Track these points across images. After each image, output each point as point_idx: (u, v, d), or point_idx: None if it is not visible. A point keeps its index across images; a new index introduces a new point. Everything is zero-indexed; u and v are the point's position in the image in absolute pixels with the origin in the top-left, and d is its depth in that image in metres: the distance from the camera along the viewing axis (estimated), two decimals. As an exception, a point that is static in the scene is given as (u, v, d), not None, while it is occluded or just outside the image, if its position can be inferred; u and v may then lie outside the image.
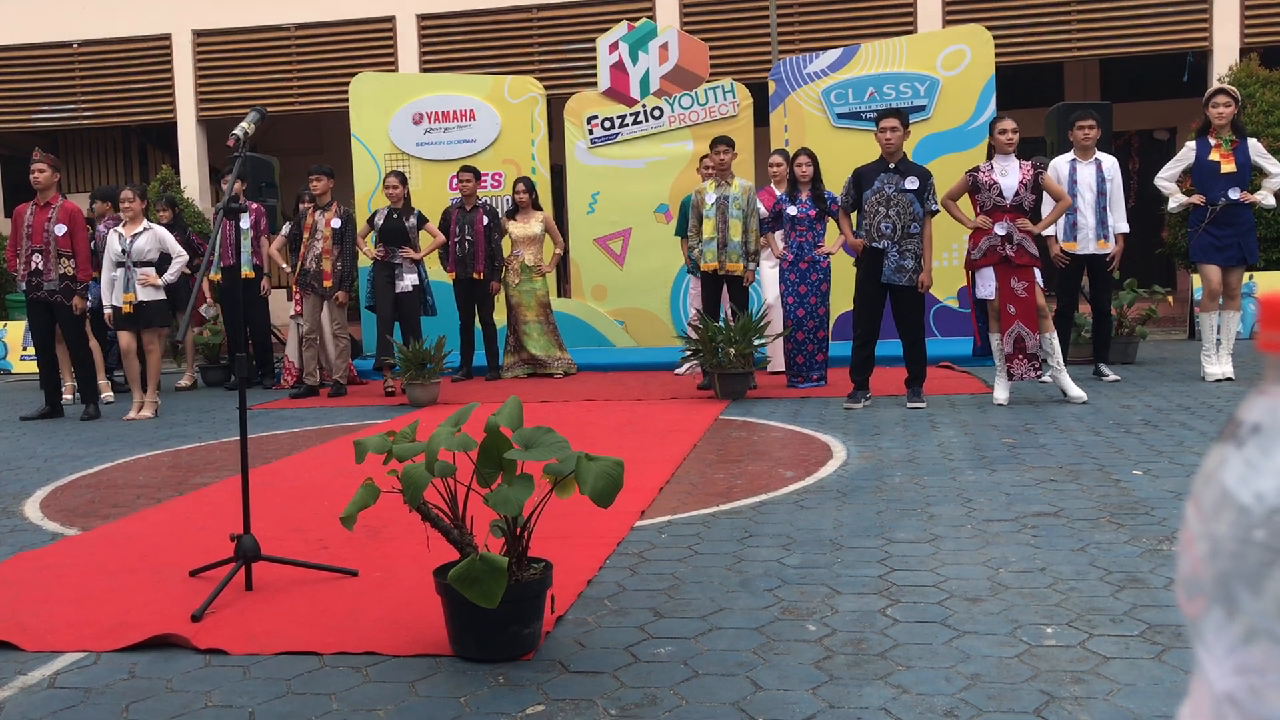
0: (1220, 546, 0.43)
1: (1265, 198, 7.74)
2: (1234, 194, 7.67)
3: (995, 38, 11.20)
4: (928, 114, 10.83)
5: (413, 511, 2.89)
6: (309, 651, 3.02)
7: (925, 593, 3.33)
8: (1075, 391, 7.10)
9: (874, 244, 7.20)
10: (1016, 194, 7.00)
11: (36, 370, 9.04)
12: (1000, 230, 7.01)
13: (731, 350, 7.88)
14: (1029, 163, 7.19)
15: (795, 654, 2.86)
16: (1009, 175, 7.04)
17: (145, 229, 8.48)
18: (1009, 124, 7.14)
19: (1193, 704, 0.48)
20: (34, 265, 8.23)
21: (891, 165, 7.24)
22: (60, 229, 8.22)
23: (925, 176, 7.27)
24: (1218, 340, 7.94)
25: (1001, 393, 7.20)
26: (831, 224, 8.32)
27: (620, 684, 2.71)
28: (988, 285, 7.10)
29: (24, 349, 11.45)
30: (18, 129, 15.60)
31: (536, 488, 2.86)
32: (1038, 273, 7.07)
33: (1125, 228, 8.21)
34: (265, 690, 2.77)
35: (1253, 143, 7.84)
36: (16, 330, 11.81)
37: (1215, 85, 8.16)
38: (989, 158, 7.25)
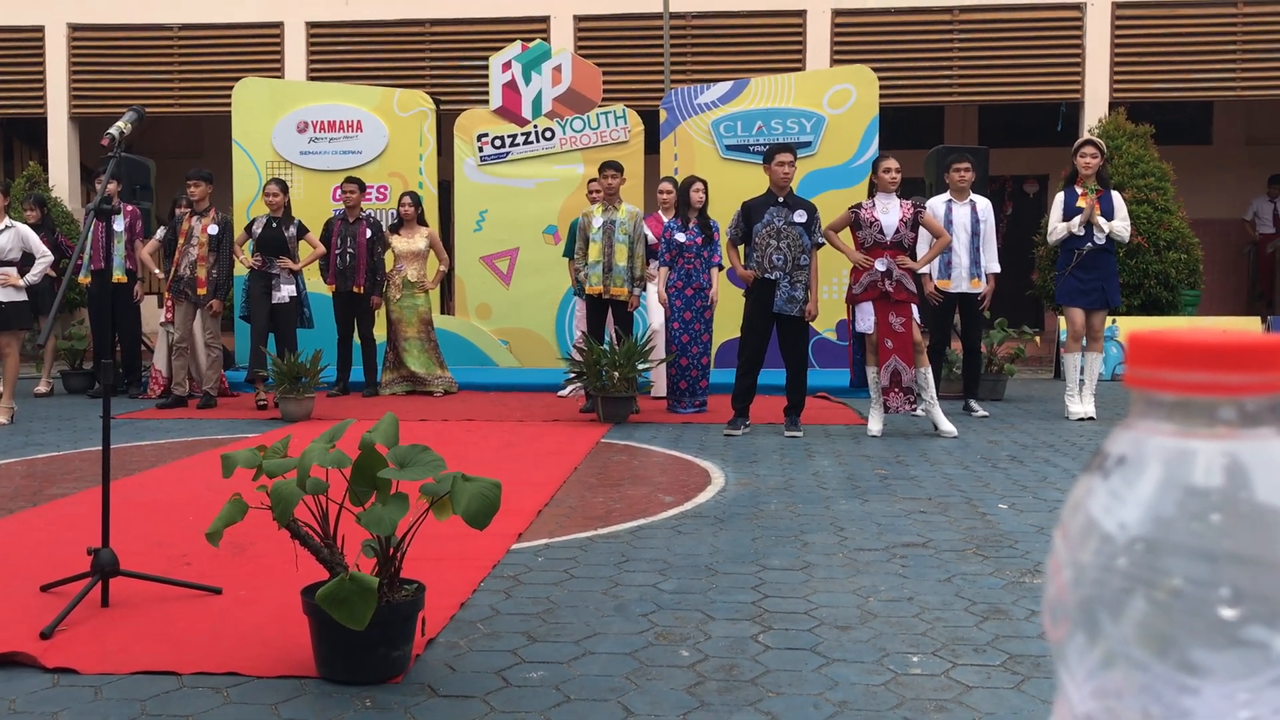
0: (1084, 573, 0.45)
1: (1106, 224, 8.01)
2: (1098, 240, 8.01)
3: (880, 79, 11.52)
4: (813, 150, 11.07)
5: (282, 529, 2.81)
6: (167, 671, 2.90)
7: (797, 619, 3.37)
8: (946, 426, 7.30)
9: (766, 275, 7.32)
10: (897, 231, 7.19)
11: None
12: (880, 266, 7.20)
13: (615, 374, 7.90)
14: (909, 201, 7.40)
15: (668, 679, 2.86)
16: (890, 213, 7.23)
17: (7, 227, 8.13)
18: (893, 163, 7.35)
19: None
20: None
21: (780, 199, 7.38)
22: None
23: (812, 210, 7.44)
24: (1081, 380, 8.26)
25: (875, 424, 7.36)
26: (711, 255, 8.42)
27: (490, 708, 2.67)
28: (867, 320, 7.27)
29: None
30: (-127, 116, 14.82)
31: (411, 508, 2.81)
32: (915, 309, 7.27)
33: (997, 268, 8.50)
34: (118, 711, 2.65)
35: (1115, 195, 8.22)
36: None
37: (1084, 136, 8.52)
38: (870, 195, 7.45)
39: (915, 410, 7.39)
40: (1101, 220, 7.97)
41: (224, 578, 3.75)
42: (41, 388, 10.10)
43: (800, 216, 7.34)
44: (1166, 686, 0.42)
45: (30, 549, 4.23)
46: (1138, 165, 11.88)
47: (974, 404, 8.58)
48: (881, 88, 11.52)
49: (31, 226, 9.23)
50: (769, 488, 5.54)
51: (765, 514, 4.91)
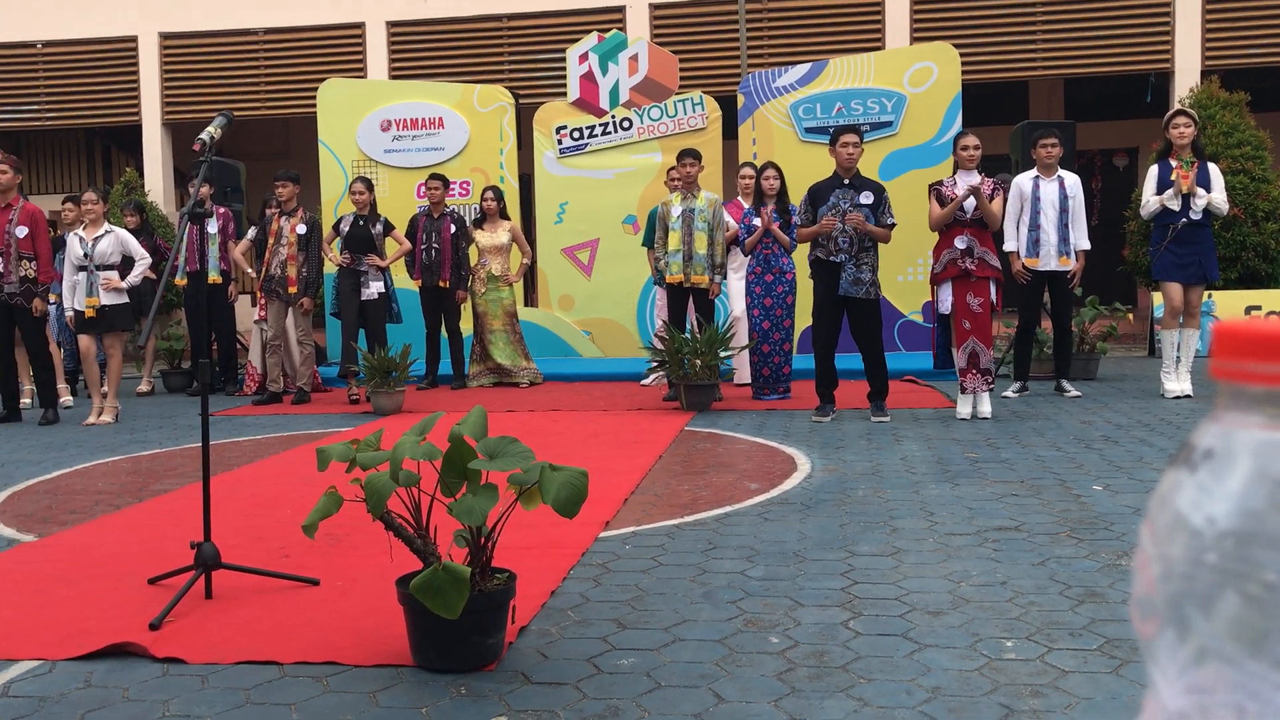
0: (1173, 569, 0.44)
1: (1203, 196, 7.78)
2: (1194, 214, 7.78)
3: (962, 55, 11.32)
4: (894, 130, 10.93)
5: (376, 520, 2.88)
6: (269, 661, 2.99)
7: (887, 605, 3.35)
8: (985, 409, 7.20)
9: (831, 258, 7.25)
10: (977, 209, 7.08)
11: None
12: (960, 244, 7.09)
13: (698, 362, 7.90)
14: (991, 179, 7.28)
15: (757, 666, 2.87)
16: (962, 186, 7.12)
17: (107, 232, 8.39)
18: (972, 140, 7.24)
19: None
20: None
21: (846, 181, 7.30)
22: (21, 231, 8.11)
23: (880, 191, 7.34)
24: (1177, 358, 8.05)
25: (964, 407, 7.26)
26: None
27: (582, 695, 2.70)
28: (946, 300, 7.18)
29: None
30: (-22, 129, 15.41)
31: (501, 498, 2.85)
32: (994, 287, 7.15)
33: (1087, 245, 8.30)
34: (224, 700, 2.74)
35: (1212, 166, 7.97)
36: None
37: (1175, 107, 8.27)
38: (954, 173, 7.34)
39: (993, 391, 7.28)
40: (1200, 190, 7.74)
41: (321, 569, 3.85)
42: (143, 387, 10.42)
43: (867, 198, 7.25)
44: (1262, 683, 0.41)
45: (137, 543, 4.38)
46: (1232, 134, 11.51)
47: (1065, 384, 8.41)
48: (963, 64, 11.33)
49: (131, 231, 9.52)
50: (856, 473, 5.50)
51: (853, 500, 4.88)
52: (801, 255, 8.74)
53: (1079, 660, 2.85)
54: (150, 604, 3.47)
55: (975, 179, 7.15)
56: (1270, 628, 0.41)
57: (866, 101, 11.02)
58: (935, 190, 7.27)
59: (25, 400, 9.21)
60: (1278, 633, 0.41)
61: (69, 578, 3.87)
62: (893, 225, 7.33)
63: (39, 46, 15.03)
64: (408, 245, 9.71)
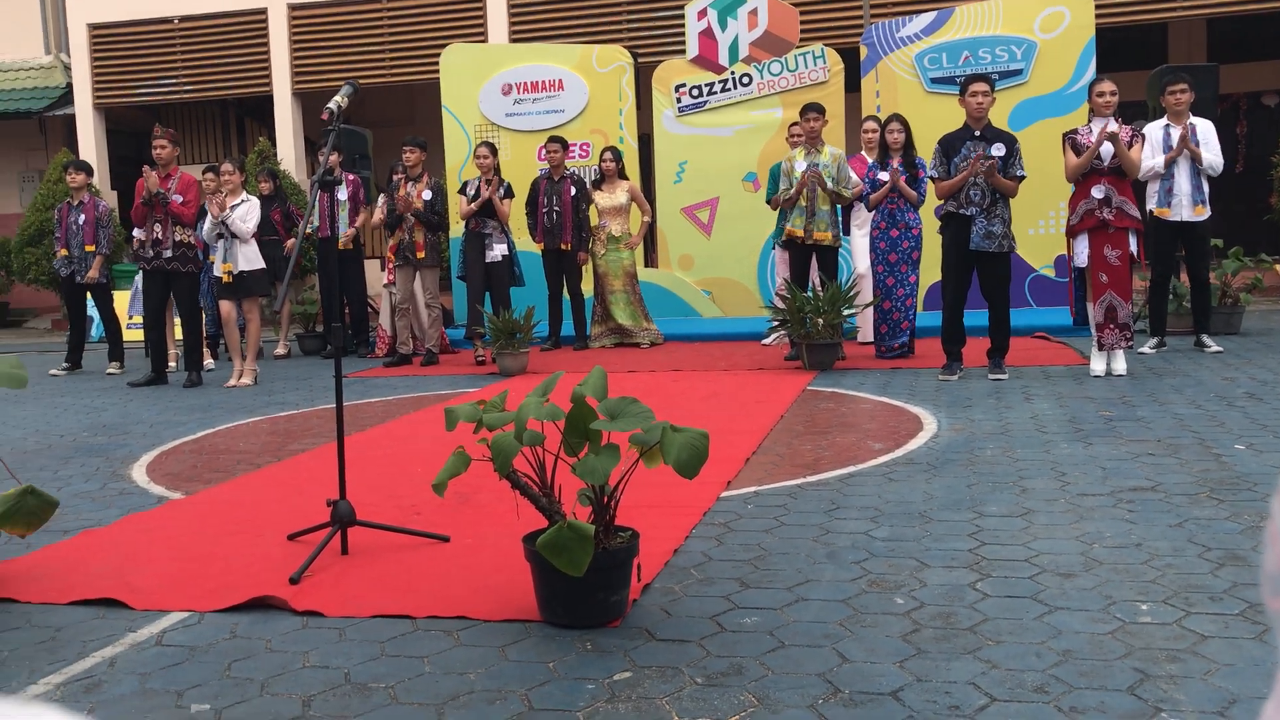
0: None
1: None
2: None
3: (1096, -2, 10.85)
4: (1024, 78, 10.56)
5: (502, 479, 2.94)
6: (402, 615, 3.09)
7: (1016, 567, 3.29)
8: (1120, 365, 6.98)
9: (962, 210, 7.07)
10: (1115, 156, 6.81)
11: (142, 338, 9.33)
12: (1098, 193, 6.85)
13: (820, 320, 7.82)
14: (1128, 126, 6.99)
15: (882, 627, 2.85)
16: (1097, 132, 6.85)
17: (243, 200, 8.68)
18: (1108, 86, 6.96)
19: (1277, 701, 0.47)
20: (154, 234, 8.49)
21: (977, 132, 7.09)
22: (178, 197, 8.45)
23: (1011, 142, 7.11)
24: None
25: (1099, 364, 7.04)
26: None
27: (706, 653, 2.73)
28: (1083, 253, 6.95)
29: (130, 317, 11.82)
30: (122, 104, 16.05)
31: (623, 458, 2.88)
32: (1133, 239, 6.89)
33: (1218, 165, 7.88)
34: (360, 652, 2.84)
35: None
36: (122, 299, 12.19)
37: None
38: (1089, 121, 7.07)
39: (1133, 347, 7.02)
40: None
41: (451, 526, 3.95)
42: (280, 350, 10.80)
43: (998, 149, 7.03)
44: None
45: (276, 501, 4.56)
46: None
47: (1206, 339, 8.07)
48: (1097, 6, 10.86)
49: (265, 198, 9.84)
50: (984, 432, 5.39)
51: (981, 459, 4.79)
52: (927, 210, 8.56)
53: (1219, 625, 2.76)
54: (290, 559, 3.62)
55: (1112, 125, 6.88)
56: None
57: (995, 49, 10.68)
58: (1070, 139, 7.01)
59: (171, 364, 9.63)
60: None
61: (214, 534, 4.06)
62: (1021, 178, 7.11)
63: (175, 22, 15.55)
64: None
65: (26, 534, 3.36)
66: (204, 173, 9.31)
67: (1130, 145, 6.86)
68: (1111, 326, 6.92)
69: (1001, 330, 7.19)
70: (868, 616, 2.93)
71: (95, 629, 3.09)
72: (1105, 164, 6.83)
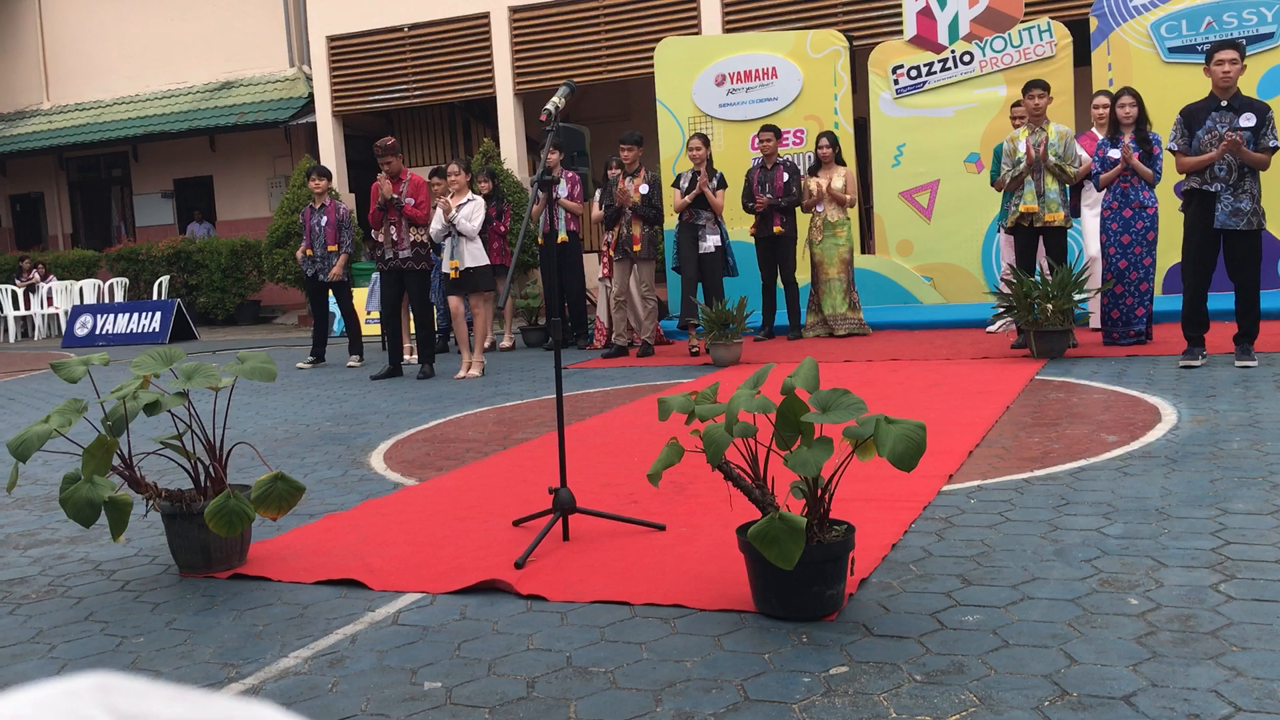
0: None
1: None
2: None
3: (1360, -51, 9.94)
4: (1275, 42, 9.79)
5: (715, 470, 2.96)
6: (620, 601, 3.16)
7: (1265, 569, 3.07)
8: None
9: (1206, 187, 6.61)
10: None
11: (379, 333, 9.88)
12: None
13: (1049, 306, 7.49)
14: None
15: (1115, 628, 2.71)
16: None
17: (469, 199, 9.04)
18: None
19: None
20: (390, 236, 8.99)
21: (1224, 102, 6.61)
22: (410, 200, 8.92)
23: (1264, 111, 6.59)
24: None
25: (1363, 349, 6.47)
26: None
27: (925, 649, 2.67)
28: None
29: (367, 313, 12.52)
30: (358, 110, 16.99)
31: (836, 450, 2.85)
32: None
33: None
34: (581, 636, 2.92)
35: None
36: (361, 296, 12.94)
37: None
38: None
39: None
40: None
41: (666, 515, 4.01)
42: (505, 343, 11.20)
43: (1248, 120, 6.53)
44: None
45: (502, 488, 4.74)
46: None
47: None
48: (1362, -41, 9.95)
49: (485, 196, 10.22)
50: (1230, 424, 5.04)
51: (1226, 453, 4.48)
52: (1164, 188, 8.06)
53: None
54: (515, 544, 3.76)
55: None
56: None
57: (1241, 12, 9.94)
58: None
59: (407, 357, 10.15)
60: None
61: (445, 519, 4.26)
62: (1275, 149, 6.58)
63: (405, 30, 16.33)
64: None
65: (277, 517, 3.62)
66: (430, 176, 9.76)
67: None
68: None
69: (1251, 314, 6.70)
70: (1098, 617, 2.79)
71: (338, 607, 3.30)
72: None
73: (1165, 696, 2.33)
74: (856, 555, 3.05)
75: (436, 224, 9.01)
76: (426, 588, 3.41)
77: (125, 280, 17.90)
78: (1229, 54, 6.59)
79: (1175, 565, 3.15)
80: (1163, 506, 3.76)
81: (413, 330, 9.68)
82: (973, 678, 2.49)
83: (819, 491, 2.94)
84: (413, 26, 16.28)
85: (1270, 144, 6.55)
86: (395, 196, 8.84)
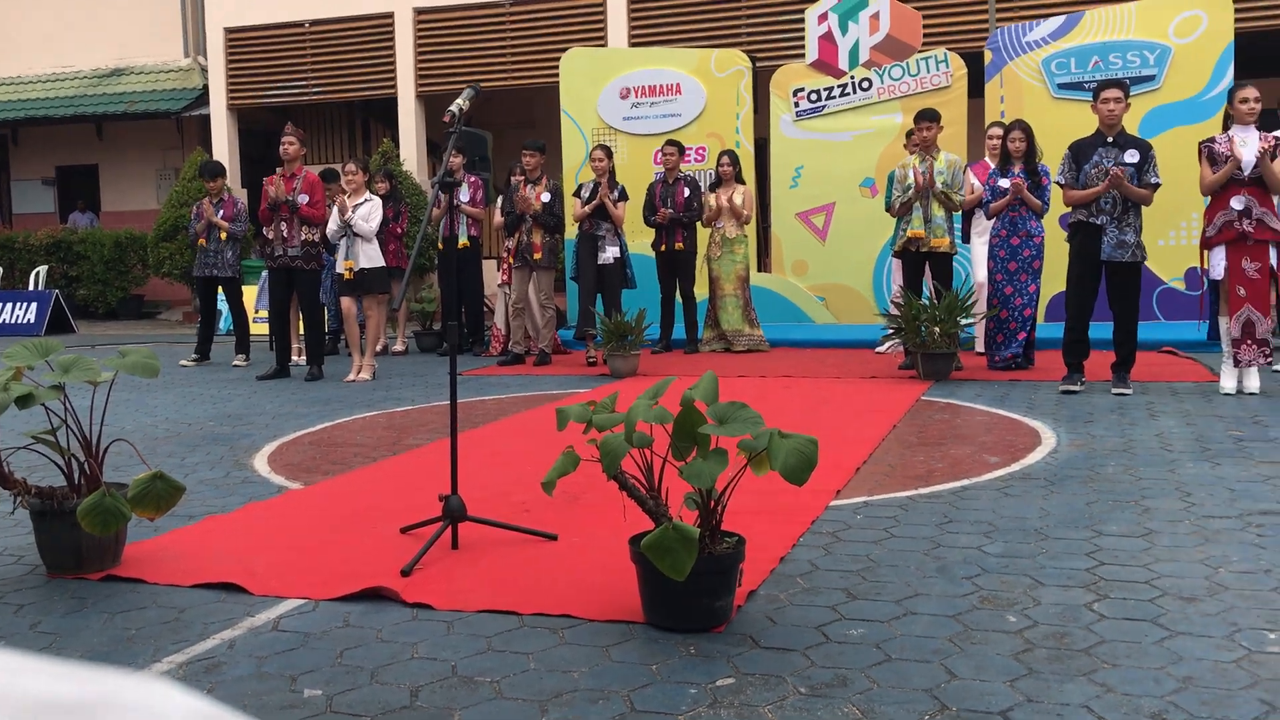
0: None
1: None
2: None
3: (1235, 2, 10.44)
4: (1157, 84, 10.22)
5: (610, 480, 2.95)
6: (509, 611, 3.13)
7: (1136, 589, 3.18)
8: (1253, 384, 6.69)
9: (1092, 219, 6.87)
10: (1256, 166, 6.54)
11: (267, 332, 9.66)
12: (1238, 204, 6.59)
13: (936, 329, 7.68)
14: (1271, 134, 6.71)
15: (993, 644, 2.78)
16: (1248, 146, 6.59)
17: (366, 199, 8.90)
18: (1251, 92, 6.68)
19: None
20: (280, 233, 8.80)
21: (1110, 138, 6.88)
22: (303, 198, 8.74)
23: (1146, 149, 6.87)
24: None
25: (1229, 381, 6.77)
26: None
27: (810, 662, 2.70)
28: (1219, 265, 6.69)
29: (256, 311, 12.22)
30: (254, 105, 16.61)
31: (731, 463, 2.87)
32: (1274, 251, 6.61)
33: None
34: (467, 645, 2.89)
35: None
36: (251, 294, 12.61)
37: None
38: (1225, 129, 6.80)
39: (1272, 364, 6.74)
40: None
41: (559, 525, 3.99)
42: (398, 347, 11.05)
43: (1132, 156, 6.81)
44: None
45: (391, 494, 4.67)
46: None
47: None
48: (1237, 11, 10.45)
49: (383, 197, 10.09)
50: (1106, 449, 5.23)
51: (1101, 477, 4.64)
52: (1051, 218, 8.34)
53: (1355, 659, 2.62)
54: (402, 551, 3.70)
55: (1252, 135, 6.61)
56: None
57: (1126, 54, 10.35)
58: (1206, 148, 6.76)
59: (295, 358, 9.93)
60: None
61: (331, 524, 4.17)
62: (1156, 186, 6.87)
63: (306, 26, 16.04)
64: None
65: (155, 517, 3.50)
66: (321, 175, 9.61)
67: (1275, 156, 6.58)
68: (1249, 342, 6.65)
69: (1128, 343, 6.97)
70: (978, 633, 2.86)
71: (216, 611, 3.20)
72: (1246, 174, 6.57)
73: (1040, 712, 2.39)
74: (746, 567, 3.08)
75: (333, 224, 8.85)
76: (309, 594, 3.33)
77: (-1, 269, 17.20)
78: (1114, 92, 6.85)
79: (1052, 584, 3.25)
80: (1041, 527, 3.88)
81: (301, 331, 9.49)
82: (856, 691, 2.52)
83: (712, 503, 2.95)
84: (314, 22, 16.00)
85: (1152, 180, 6.82)
86: (289, 198, 8.66)
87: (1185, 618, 2.93)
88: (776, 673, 2.64)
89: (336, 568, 3.57)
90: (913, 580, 3.31)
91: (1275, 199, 6.70)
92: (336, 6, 15.84)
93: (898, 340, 8.35)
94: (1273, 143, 6.62)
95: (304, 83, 16.17)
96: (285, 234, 8.78)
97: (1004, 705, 2.42)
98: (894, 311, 8.24)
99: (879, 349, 9.51)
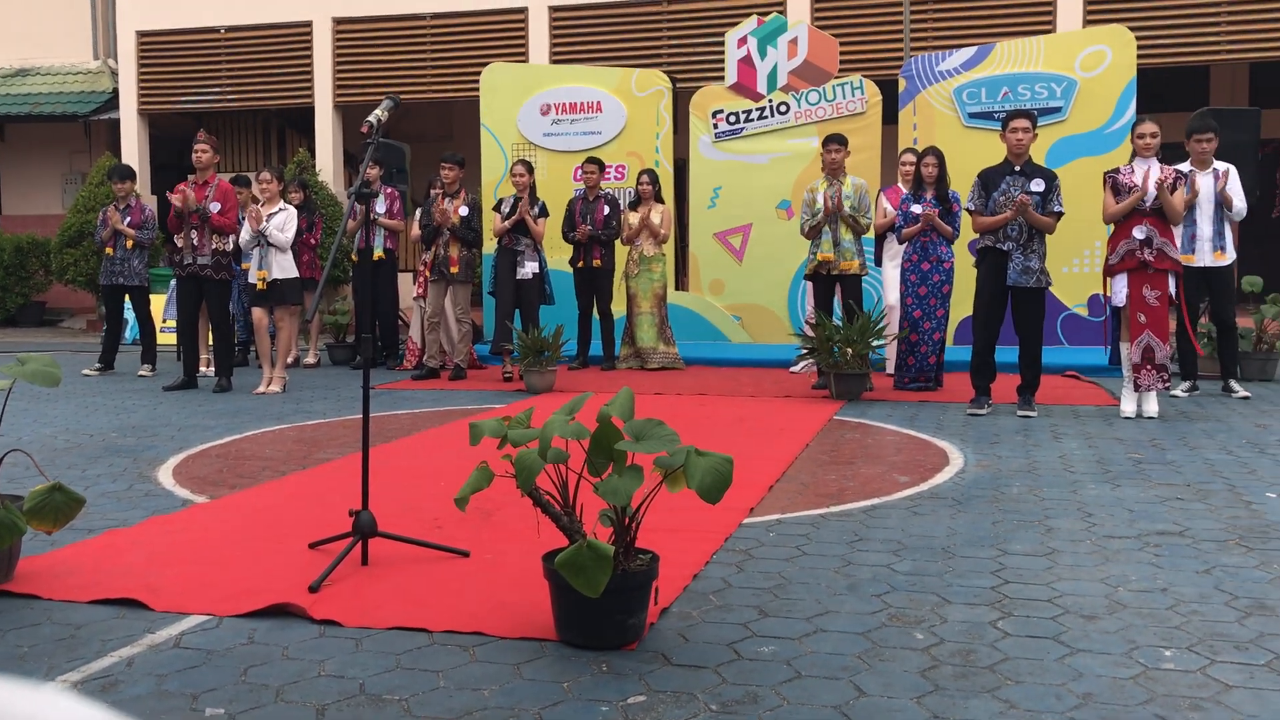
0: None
1: None
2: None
3: (1139, 38, 10.82)
4: (1064, 115, 10.53)
5: (525, 496, 2.94)
6: (419, 628, 3.09)
7: (1039, 607, 3.25)
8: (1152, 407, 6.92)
9: (999, 245, 7.05)
10: (1157, 198, 6.77)
11: (175, 342, 9.43)
12: (1139, 234, 6.81)
13: (849, 350, 7.79)
14: (1171, 167, 6.96)
15: (901, 661, 2.82)
16: (1150, 179, 6.82)
17: (280, 209, 8.76)
18: (1150, 127, 6.94)
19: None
20: (190, 241, 8.61)
21: (1017, 167, 7.08)
22: (215, 206, 8.56)
23: (1051, 178, 7.09)
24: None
25: (1129, 405, 6.98)
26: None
27: (722, 679, 2.71)
28: (1121, 293, 6.91)
29: (164, 320, 11.94)
30: (166, 111, 16.26)
31: (646, 480, 2.87)
32: (1173, 280, 6.85)
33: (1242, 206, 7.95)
34: (376, 663, 2.84)
35: None
36: (159, 303, 12.33)
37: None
38: (1130, 161, 7.05)
39: (1169, 389, 6.98)
40: None
41: (472, 541, 3.95)
42: (310, 359, 10.87)
43: (1038, 185, 7.02)
44: None
45: (300, 509, 4.58)
46: None
47: (1234, 384, 8.00)
48: (1140, 47, 10.83)
49: (297, 207, 9.94)
50: (1011, 470, 5.35)
51: (1007, 497, 4.75)
52: (961, 243, 8.53)
53: (1244, 675, 2.72)
54: (310, 567, 3.63)
55: (1154, 167, 6.85)
56: None
57: (1034, 86, 10.65)
58: (1111, 179, 6.99)
59: (203, 369, 9.71)
60: None
61: (237, 539, 4.08)
62: (1060, 215, 7.08)
63: (222, 32, 15.76)
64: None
65: (53, 530, 3.39)
66: (232, 182, 9.45)
67: (1173, 189, 6.82)
68: (1149, 367, 6.86)
69: (1033, 367, 7.15)
70: (886, 650, 2.90)
71: (115, 628, 3.11)
72: (1148, 205, 6.80)
73: (945, 727, 2.43)
74: (660, 585, 3.08)
75: (246, 234, 8.69)
76: (213, 610, 3.25)
77: (-110, 272, 16.54)
78: (1022, 122, 7.05)
79: (958, 602, 3.31)
80: (948, 545, 3.95)
81: (210, 341, 9.29)
82: (766, 708, 2.54)
83: (627, 520, 2.95)
84: (230, 29, 15.73)
85: (1056, 209, 7.03)
86: (200, 207, 8.49)
87: (1085, 635, 3.00)
88: (688, 690, 2.64)
89: (242, 583, 3.49)
90: (823, 598, 3.35)
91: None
92: (254, 13, 15.60)
93: (812, 360, 8.46)
94: (1173, 175, 6.86)
95: (218, 89, 15.87)
96: (195, 242, 8.59)
97: (910, 721, 2.46)
98: (808, 332, 8.35)
99: (793, 368, 9.62)
